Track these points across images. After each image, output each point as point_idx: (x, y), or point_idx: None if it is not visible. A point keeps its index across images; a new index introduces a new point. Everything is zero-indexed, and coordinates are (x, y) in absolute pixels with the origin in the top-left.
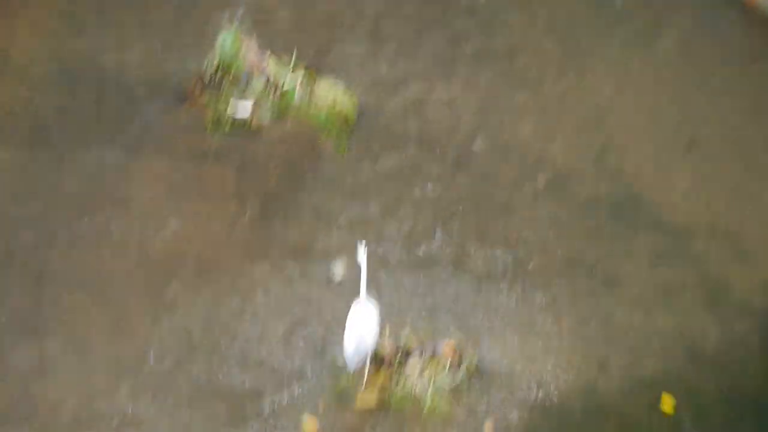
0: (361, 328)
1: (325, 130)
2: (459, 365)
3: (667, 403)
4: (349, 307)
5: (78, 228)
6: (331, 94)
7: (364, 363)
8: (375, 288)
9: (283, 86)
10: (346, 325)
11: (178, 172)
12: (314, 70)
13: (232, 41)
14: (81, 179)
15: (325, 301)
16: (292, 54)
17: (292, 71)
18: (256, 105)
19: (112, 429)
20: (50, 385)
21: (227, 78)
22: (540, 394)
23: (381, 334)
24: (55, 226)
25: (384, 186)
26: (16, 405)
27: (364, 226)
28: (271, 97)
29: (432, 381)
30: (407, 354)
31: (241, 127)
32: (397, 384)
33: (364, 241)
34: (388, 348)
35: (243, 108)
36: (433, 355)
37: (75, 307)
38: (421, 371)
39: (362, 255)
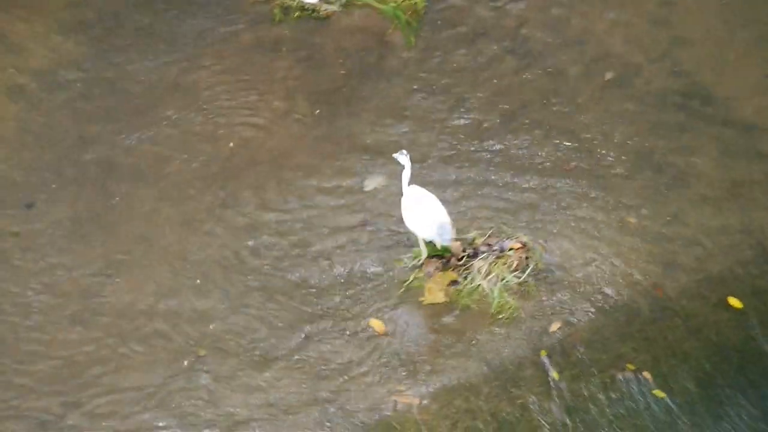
0: (425, 205)
1: (393, 22)
2: (526, 264)
3: (735, 303)
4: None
5: (147, 122)
6: None
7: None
8: (442, 186)
9: None
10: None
11: (245, 64)
12: None
13: None
14: (150, 73)
15: (393, 194)
16: None
17: None
18: None
19: (183, 324)
20: (121, 282)
21: None
22: (606, 294)
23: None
24: (125, 121)
25: (451, 80)
26: (88, 303)
27: (430, 121)
28: None
29: (499, 279)
30: (474, 252)
31: (309, 16)
32: (464, 281)
33: (404, 151)
34: (455, 246)
35: None
36: (500, 254)
37: (144, 202)
38: (488, 269)
39: (404, 159)
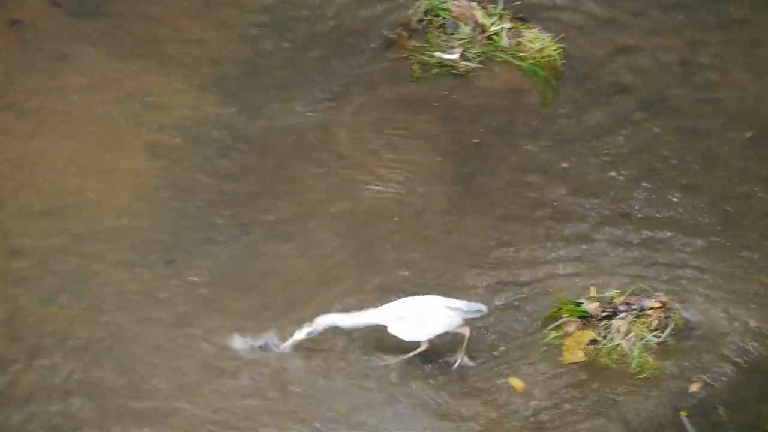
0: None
1: (531, 79)
2: (665, 323)
3: None
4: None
5: (285, 179)
6: (538, 42)
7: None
8: (579, 242)
9: (489, 33)
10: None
11: (383, 120)
12: (521, 18)
13: None
14: (288, 129)
15: (532, 253)
16: (498, 1)
17: (499, 18)
18: (462, 51)
19: None
20: None
21: (434, 24)
22: (750, 355)
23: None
24: (263, 178)
25: (588, 136)
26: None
27: (564, 178)
28: (477, 43)
29: (638, 338)
30: (613, 311)
31: (447, 74)
32: (603, 340)
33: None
34: (594, 305)
35: (450, 54)
36: (640, 313)
37: (282, 259)
38: (628, 328)
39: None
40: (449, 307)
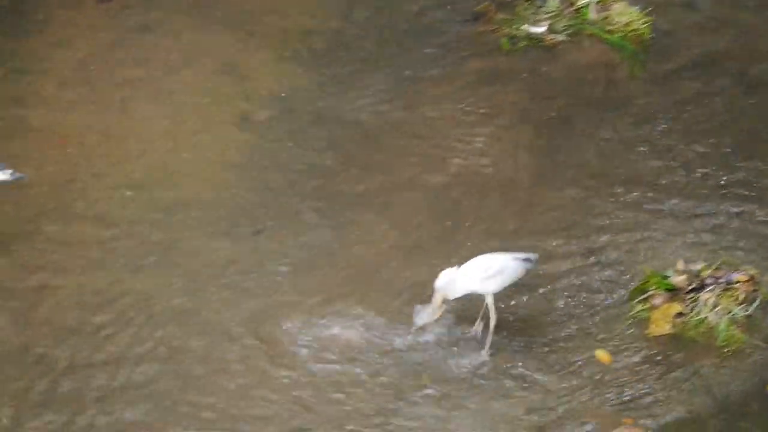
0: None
1: (618, 52)
2: (754, 296)
3: None
4: None
5: (372, 153)
6: (626, 16)
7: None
8: (675, 216)
9: (577, 6)
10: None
11: (472, 94)
12: None
13: None
14: (377, 103)
15: (619, 225)
16: None
17: None
18: (550, 24)
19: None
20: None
21: None
22: None
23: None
24: (350, 151)
25: (678, 110)
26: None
27: (658, 151)
28: (565, 16)
29: (726, 311)
30: (701, 284)
31: (535, 47)
32: (690, 313)
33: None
34: (681, 277)
35: (538, 27)
36: (727, 286)
37: (369, 232)
38: (715, 301)
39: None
40: (517, 259)
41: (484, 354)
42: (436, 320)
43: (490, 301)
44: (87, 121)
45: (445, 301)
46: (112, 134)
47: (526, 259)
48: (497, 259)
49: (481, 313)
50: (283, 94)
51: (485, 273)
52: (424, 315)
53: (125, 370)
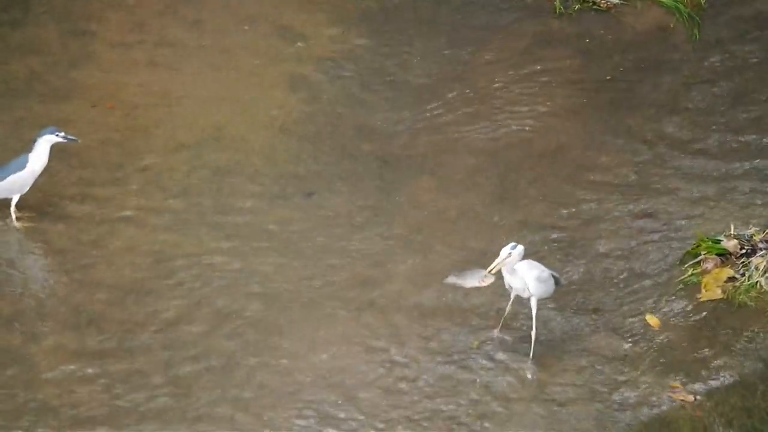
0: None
1: (675, 15)
2: None
3: None
4: None
5: (425, 115)
6: None
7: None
8: (727, 181)
9: None
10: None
11: (525, 57)
12: None
13: None
14: (430, 65)
15: (670, 189)
16: None
17: None
18: None
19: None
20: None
21: None
22: None
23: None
24: (403, 112)
25: (733, 74)
26: (364, 293)
27: (712, 114)
28: None
29: None
30: (753, 249)
31: (590, 10)
32: (742, 278)
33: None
34: (733, 242)
35: None
36: None
37: (421, 193)
38: (767, 266)
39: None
40: (552, 275)
41: (529, 363)
42: (484, 286)
43: (534, 303)
44: (140, 82)
45: (497, 272)
46: (165, 96)
47: (557, 279)
48: (544, 269)
49: (503, 316)
50: (336, 57)
51: (540, 274)
52: (474, 278)
53: (176, 330)
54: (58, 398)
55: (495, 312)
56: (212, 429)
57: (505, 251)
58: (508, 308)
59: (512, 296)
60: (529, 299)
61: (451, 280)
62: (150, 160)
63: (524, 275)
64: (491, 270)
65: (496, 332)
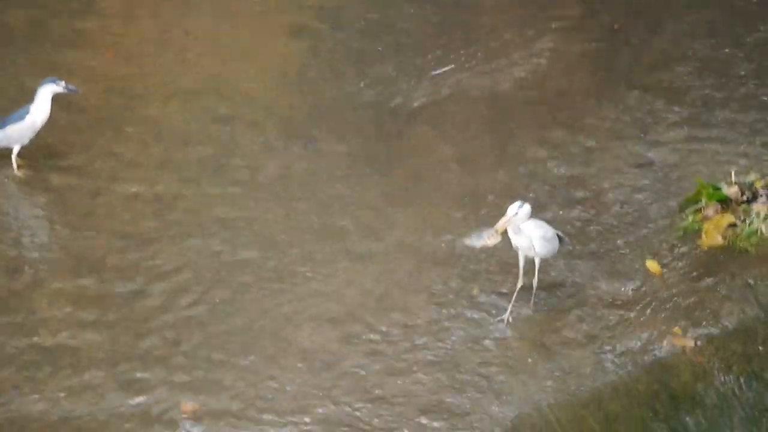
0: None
1: None
2: None
3: None
4: None
5: (424, 64)
6: None
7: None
8: (728, 128)
9: None
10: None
11: (525, 5)
12: None
13: None
14: (431, 15)
15: (670, 137)
16: None
17: None
18: None
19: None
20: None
21: None
22: None
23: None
24: (403, 61)
25: (737, 23)
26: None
27: (714, 61)
28: None
29: None
30: (754, 195)
31: None
32: (743, 224)
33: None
34: (733, 189)
35: None
36: None
37: (421, 141)
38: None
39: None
40: (557, 234)
41: (530, 310)
42: (492, 245)
43: (537, 262)
44: (141, 31)
45: (503, 232)
46: (166, 45)
47: (561, 238)
48: (549, 228)
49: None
50: (337, 5)
51: (545, 233)
52: (482, 237)
53: (176, 276)
54: (56, 341)
55: (496, 262)
56: (210, 371)
57: (512, 210)
58: (521, 270)
59: (521, 257)
60: (533, 258)
61: (464, 242)
62: (150, 109)
63: (530, 234)
64: (498, 229)
65: (514, 295)
